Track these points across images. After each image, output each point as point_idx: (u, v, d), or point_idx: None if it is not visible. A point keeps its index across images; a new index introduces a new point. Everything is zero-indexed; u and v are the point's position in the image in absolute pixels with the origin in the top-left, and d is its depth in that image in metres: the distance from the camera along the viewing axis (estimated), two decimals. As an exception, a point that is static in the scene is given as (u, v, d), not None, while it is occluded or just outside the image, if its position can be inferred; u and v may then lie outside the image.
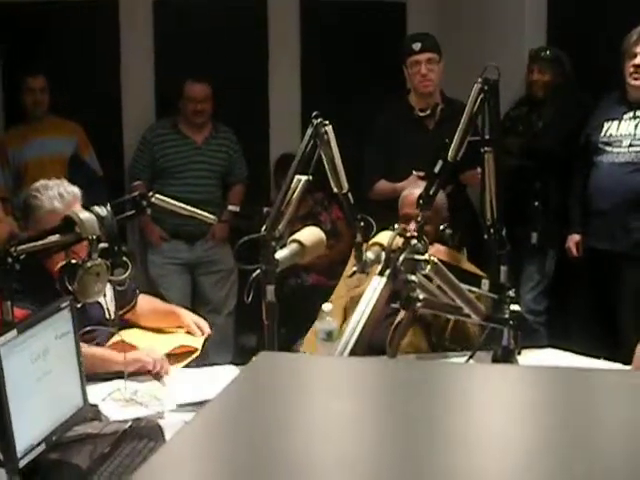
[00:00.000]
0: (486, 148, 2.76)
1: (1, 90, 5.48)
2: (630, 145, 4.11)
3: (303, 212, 5.12)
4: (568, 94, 4.66)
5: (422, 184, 3.21)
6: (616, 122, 4.19)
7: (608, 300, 4.22)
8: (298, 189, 2.73)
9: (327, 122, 2.80)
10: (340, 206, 5.26)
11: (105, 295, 3.15)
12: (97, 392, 2.72)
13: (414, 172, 4.18)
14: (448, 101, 4.46)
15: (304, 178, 2.75)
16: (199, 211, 2.80)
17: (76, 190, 3.12)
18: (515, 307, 1.53)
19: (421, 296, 1.32)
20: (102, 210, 2.54)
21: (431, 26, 5.25)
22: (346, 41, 5.68)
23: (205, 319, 3.43)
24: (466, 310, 1.39)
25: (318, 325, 3.00)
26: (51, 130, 5.01)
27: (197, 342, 3.22)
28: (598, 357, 2.95)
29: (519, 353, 3.09)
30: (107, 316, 3.16)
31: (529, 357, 2.95)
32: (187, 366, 3.11)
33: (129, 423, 2.53)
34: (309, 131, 2.80)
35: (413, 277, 1.31)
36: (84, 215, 2.51)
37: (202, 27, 5.60)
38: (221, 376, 2.93)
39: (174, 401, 2.70)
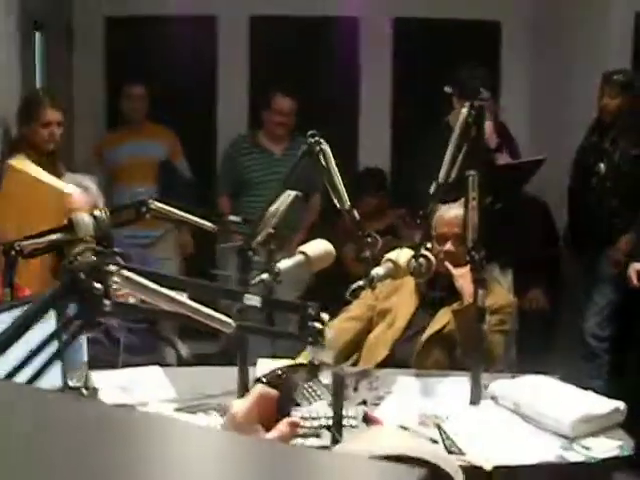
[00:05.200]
0: (471, 171, 2.82)
1: (104, 95, 5.94)
2: (694, 174, 3.98)
3: (382, 227, 5.20)
4: (635, 117, 4.55)
5: (459, 205, 3.29)
6: (683, 150, 4.07)
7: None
8: (286, 203, 2.88)
9: (322, 140, 2.93)
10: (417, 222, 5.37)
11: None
12: (101, 378, 2.98)
13: None
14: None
15: (294, 193, 2.90)
16: (199, 219, 2.94)
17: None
18: (316, 324, 1.61)
19: (108, 302, 1.42)
20: (101, 214, 2.79)
21: (526, 45, 5.24)
22: (439, 60, 5.73)
23: None
24: (202, 319, 1.49)
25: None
26: (145, 135, 5.33)
27: None
28: (586, 389, 2.91)
29: (513, 376, 3.13)
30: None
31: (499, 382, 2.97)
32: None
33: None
34: (302, 148, 2.94)
35: (99, 285, 1.41)
36: (81, 217, 2.77)
37: (296, 42, 5.85)
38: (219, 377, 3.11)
39: (162, 394, 2.93)
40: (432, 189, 2.88)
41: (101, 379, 2.98)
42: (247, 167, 5.25)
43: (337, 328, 3.51)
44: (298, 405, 1.78)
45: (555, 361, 4.62)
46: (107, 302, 1.39)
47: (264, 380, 1.44)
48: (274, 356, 3.39)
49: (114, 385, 3.00)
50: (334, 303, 3.26)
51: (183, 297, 1.49)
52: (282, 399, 1.43)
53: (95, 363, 3.01)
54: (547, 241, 5.22)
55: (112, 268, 1.39)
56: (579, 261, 4.96)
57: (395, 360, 3.39)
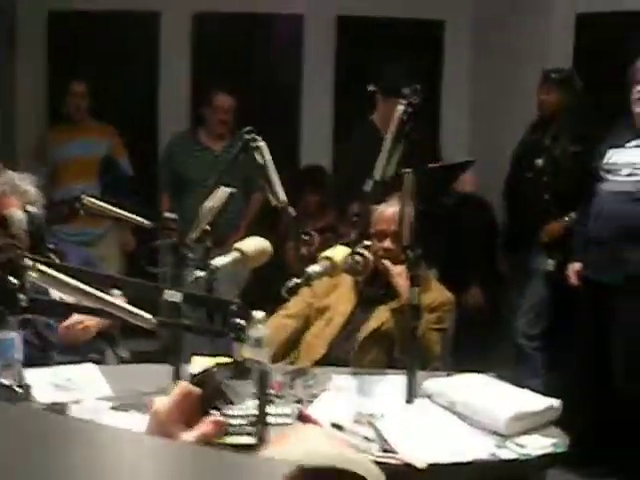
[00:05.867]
0: (406, 169, 2.82)
1: (46, 93, 5.86)
2: (629, 174, 3.98)
3: (322, 224, 5.19)
4: (576, 115, 4.61)
5: (396, 202, 3.28)
6: (620, 149, 4.06)
7: (601, 333, 4.12)
8: (221, 200, 2.86)
9: (259, 137, 2.91)
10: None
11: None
12: (35, 376, 2.94)
13: None
14: None
15: (229, 190, 2.89)
16: (133, 216, 2.91)
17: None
18: (240, 321, 1.60)
19: (23, 297, 1.39)
20: (34, 210, 2.76)
21: (469, 44, 5.28)
22: (382, 59, 5.74)
23: None
24: (122, 315, 1.47)
25: (249, 330, 3.09)
26: (88, 132, 5.29)
27: None
28: (523, 387, 2.93)
29: (448, 375, 3.15)
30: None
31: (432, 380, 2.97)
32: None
33: (44, 406, 2.74)
34: (238, 144, 2.93)
35: (14, 279, 1.38)
36: (14, 213, 2.74)
37: (239, 40, 5.83)
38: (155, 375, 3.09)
39: (98, 392, 2.90)
40: (368, 187, 2.89)
41: (35, 377, 2.94)
42: (187, 164, 5.21)
43: (275, 325, 3.50)
44: (232, 403, 1.77)
45: (493, 360, 4.66)
46: (22, 297, 1.36)
47: (190, 378, 1.43)
48: (214, 354, 3.37)
49: (48, 383, 2.95)
50: (275, 300, 3.28)
51: (102, 294, 1.47)
52: (205, 397, 1.42)
53: (27, 362, 2.99)
54: (486, 239, 5.26)
55: (28, 263, 1.36)
56: (513, 258, 5.03)
57: (333, 358, 3.39)
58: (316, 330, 3.50)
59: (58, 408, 2.70)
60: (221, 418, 1.40)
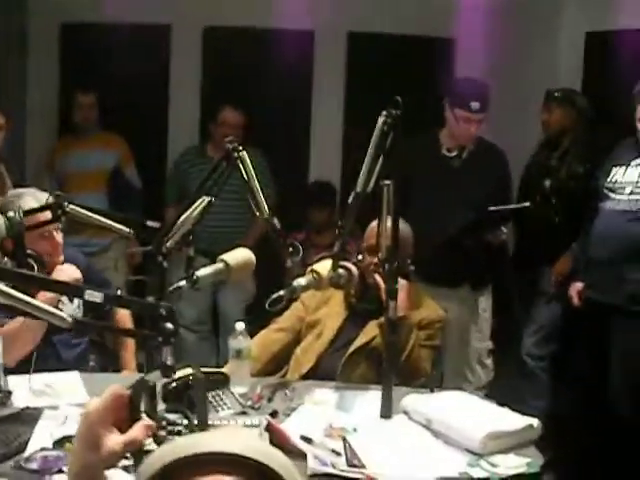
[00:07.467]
0: (386, 181, 2.80)
1: (57, 103, 5.93)
2: (631, 193, 3.90)
3: (330, 240, 5.16)
4: (582, 135, 4.57)
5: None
6: (623, 168, 3.98)
7: (601, 355, 4.04)
8: (199, 208, 2.86)
9: (241, 148, 2.91)
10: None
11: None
12: (18, 382, 2.95)
13: None
14: (479, 142, 4.44)
15: (207, 199, 2.89)
16: (115, 223, 2.91)
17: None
18: (169, 325, 1.58)
19: None
20: (14, 215, 2.76)
21: (479, 63, 5.25)
22: (392, 75, 5.72)
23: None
24: (37, 314, 1.46)
25: (230, 342, 3.10)
26: (96, 144, 5.31)
27: None
28: (503, 405, 2.89)
29: (432, 391, 3.10)
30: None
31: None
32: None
33: (17, 410, 2.75)
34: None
35: None
36: (-5, 218, 2.75)
37: (249, 54, 5.84)
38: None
39: (74, 399, 2.90)
40: (350, 199, 2.87)
41: (17, 383, 2.95)
42: (194, 178, 5.19)
43: (265, 339, 3.50)
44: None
45: (499, 379, 4.63)
46: None
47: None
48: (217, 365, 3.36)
49: (29, 389, 2.96)
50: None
51: (20, 294, 1.46)
52: (133, 401, 1.42)
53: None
54: (494, 259, 5.21)
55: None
56: (521, 278, 4.97)
57: (321, 372, 3.36)
58: (305, 344, 3.49)
59: (32, 413, 2.71)
60: (151, 422, 1.40)
